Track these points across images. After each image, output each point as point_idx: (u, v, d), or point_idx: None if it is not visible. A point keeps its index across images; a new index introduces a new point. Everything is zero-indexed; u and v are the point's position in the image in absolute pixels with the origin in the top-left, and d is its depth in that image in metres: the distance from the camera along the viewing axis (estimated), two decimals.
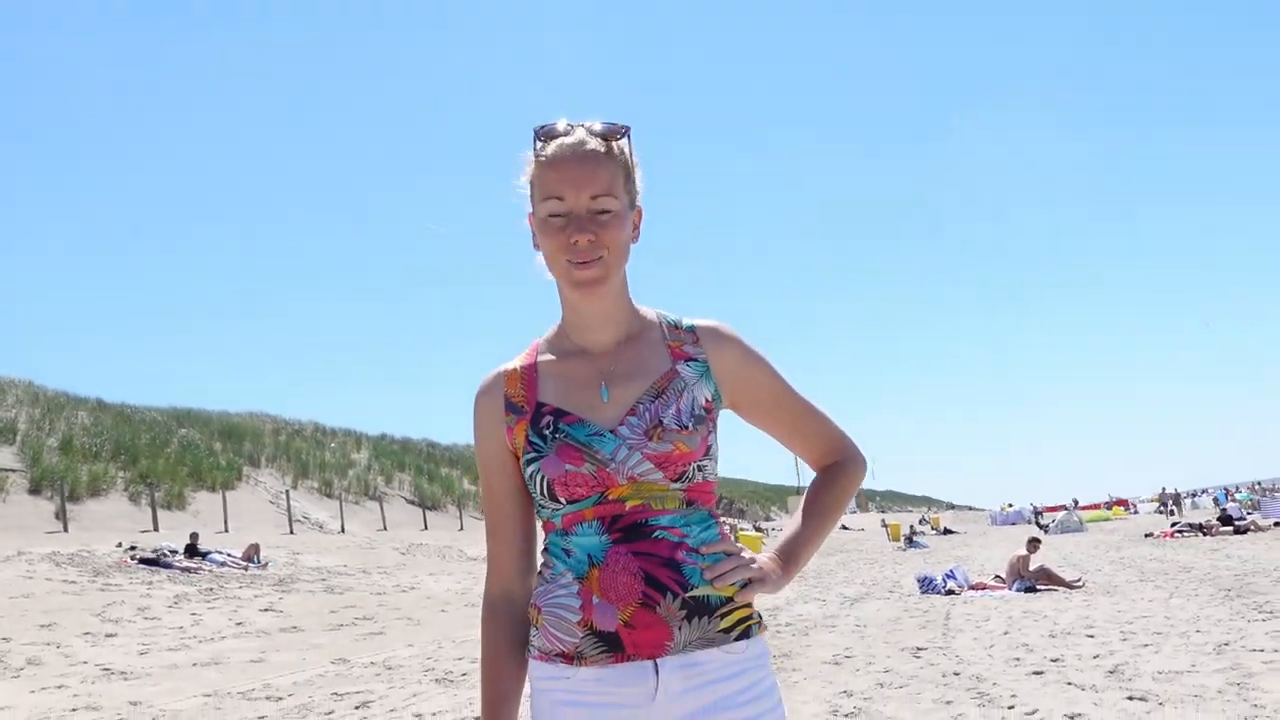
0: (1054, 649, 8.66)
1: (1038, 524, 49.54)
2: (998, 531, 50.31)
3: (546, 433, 1.77)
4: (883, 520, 59.24)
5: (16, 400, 36.30)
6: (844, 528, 56.71)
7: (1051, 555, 19.63)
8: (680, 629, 1.68)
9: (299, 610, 14.64)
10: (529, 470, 1.78)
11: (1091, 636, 9.31)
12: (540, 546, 1.87)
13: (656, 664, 1.68)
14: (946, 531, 51.19)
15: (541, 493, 1.76)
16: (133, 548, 20.29)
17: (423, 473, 49.11)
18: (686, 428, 1.74)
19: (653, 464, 1.72)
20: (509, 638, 1.83)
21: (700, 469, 1.77)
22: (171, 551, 20.08)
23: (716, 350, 1.85)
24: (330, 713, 7.30)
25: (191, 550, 20.27)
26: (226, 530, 28.05)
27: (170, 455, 35.74)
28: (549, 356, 1.88)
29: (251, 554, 20.92)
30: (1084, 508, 58.02)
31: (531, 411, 1.81)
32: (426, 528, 37.65)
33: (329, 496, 39.47)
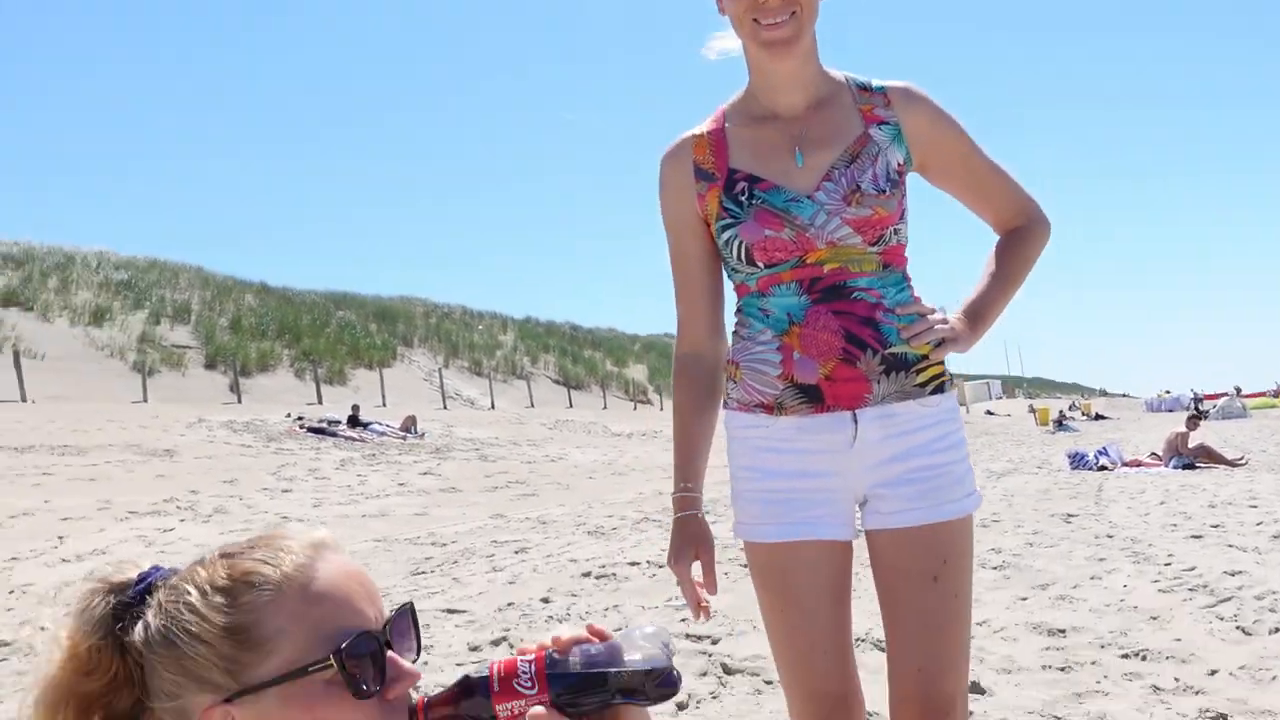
0: (1214, 517, 8.41)
1: (1197, 410, 47.53)
2: (1153, 418, 48.49)
3: (742, 199, 1.80)
4: (1030, 405, 57.68)
5: (189, 283, 38.55)
6: (989, 413, 55.60)
7: (1212, 439, 18.88)
8: (879, 383, 1.76)
9: (456, 474, 15.34)
10: (725, 236, 1.82)
11: (1254, 507, 8.99)
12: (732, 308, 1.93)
13: (855, 414, 1.76)
14: (1098, 417, 49.64)
15: (738, 257, 1.82)
16: (300, 418, 21.57)
17: (566, 354, 50.18)
18: (884, 192, 1.77)
19: (852, 228, 1.75)
20: (699, 393, 1.92)
21: (896, 232, 1.80)
22: (334, 422, 21.24)
23: (908, 112, 1.84)
24: (491, 556, 7.72)
25: (354, 421, 21.37)
26: (384, 404, 29.41)
27: (330, 335, 37.53)
28: (738, 121, 1.88)
29: (409, 425, 21.93)
30: (1248, 395, 55.25)
31: (724, 178, 1.83)
32: (571, 406, 38.64)
33: (478, 375, 40.84)
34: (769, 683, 3.94)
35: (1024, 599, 5.33)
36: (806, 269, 1.77)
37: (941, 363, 1.83)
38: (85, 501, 10.17)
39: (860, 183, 1.76)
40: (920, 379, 1.79)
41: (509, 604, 5.65)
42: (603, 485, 14.81)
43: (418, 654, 1.07)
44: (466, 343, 45.43)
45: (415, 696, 1.03)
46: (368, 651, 0.98)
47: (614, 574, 6.63)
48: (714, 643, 4.51)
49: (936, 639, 1.77)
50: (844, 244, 1.76)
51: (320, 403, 28.14)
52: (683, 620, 4.97)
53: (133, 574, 1.05)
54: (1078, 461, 15.18)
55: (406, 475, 14.87)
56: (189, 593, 0.99)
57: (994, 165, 1.91)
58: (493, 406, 34.52)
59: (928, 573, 1.77)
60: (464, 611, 5.44)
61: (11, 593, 6.14)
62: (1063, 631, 4.56)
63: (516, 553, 7.84)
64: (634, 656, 1.00)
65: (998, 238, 1.96)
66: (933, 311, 1.81)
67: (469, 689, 1.00)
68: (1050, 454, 20.38)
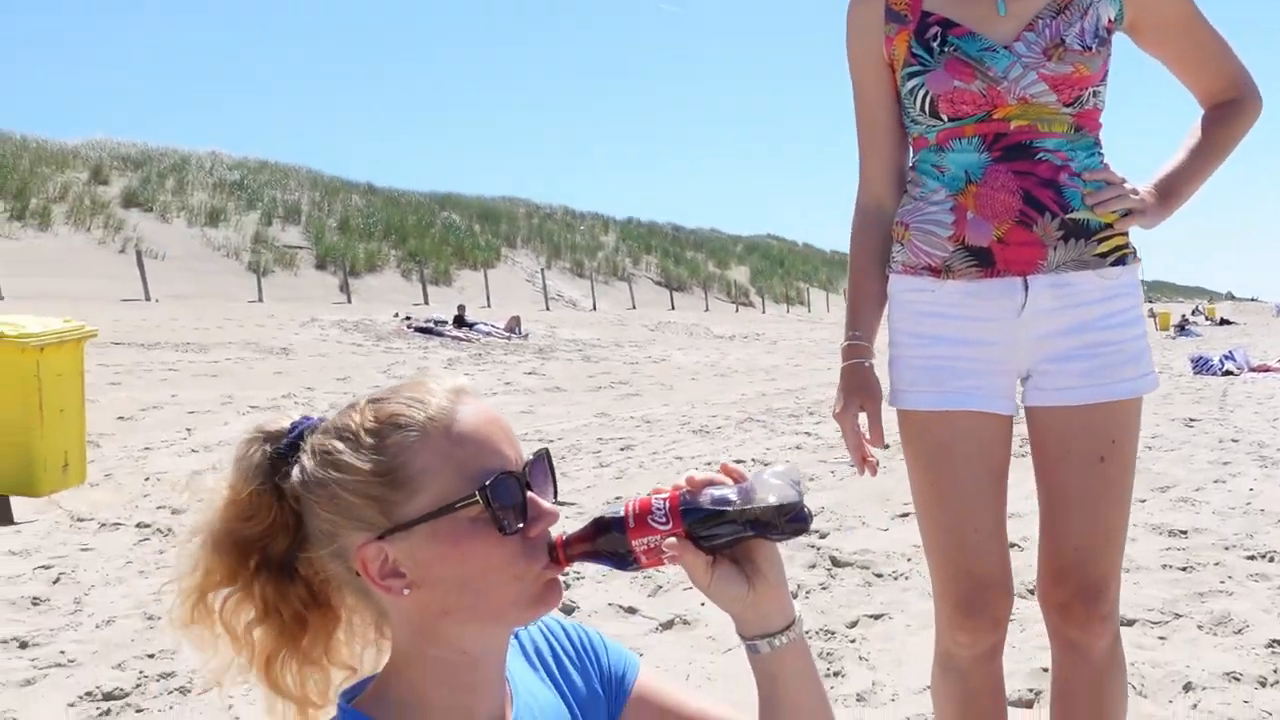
0: None
1: None
2: None
3: (933, 45, 1.69)
4: (1150, 309, 55.63)
5: (298, 184, 39.38)
6: None
7: None
8: (1055, 249, 1.66)
9: (560, 374, 15.54)
10: (910, 85, 1.72)
11: None
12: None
13: (1026, 281, 1.67)
14: (1224, 322, 47.59)
15: (921, 108, 1.72)
16: (408, 317, 22.04)
17: (669, 255, 50.09)
18: (1089, 49, 1.65)
19: (1048, 85, 1.64)
20: (879, 246, 1.84)
21: (1095, 94, 1.68)
22: (441, 322, 21.63)
23: None
24: (598, 452, 7.82)
25: (459, 321, 21.73)
26: (489, 305, 29.85)
27: (435, 235, 38.11)
28: None
29: (513, 325, 22.21)
30: None
31: (916, 21, 1.73)
32: (673, 307, 38.66)
33: (580, 276, 41.11)
34: (879, 575, 3.93)
35: (1143, 500, 5.18)
36: (991, 124, 1.67)
37: (1126, 234, 1.72)
38: (209, 396, 10.60)
39: (1065, 36, 1.64)
40: (1101, 249, 1.68)
41: (616, 497, 5.74)
42: (706, 386, 14.82)
43: (555, 496, 1.08)
44: (569, 244, 45.64)
45: (553, 535, 1.06)
46: (510, 490, 1.00)
47: None
48: (822, 536, 4.51)
49: (1097, 520, 1.70)
50: (1036, 101, 1.65)
51: (426, 303, 28.71)
52: None
53: (286, 423, 1.09)
54: (1201, 366, 14.61)
55: (512, 375, 15.12)
56: (340, 436, 1.02)
57: (1215, 33, 1.76)
58: (594, 308, 34.76)
59: (1094, 453, 1.69)
60: (574, 504, 5.54)
61: (147, 479, 6.46)
62: (1184, 533, 4.43)
63: (622, 450, 7.93)
64: (766, 494, 1.01)
65: (1202, 111, 1.81)
66: (1123, 181, 1.69)
67: (604, 526, 1.03)
68: (1171, 359, 19.67)
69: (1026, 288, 1.67)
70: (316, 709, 1.12)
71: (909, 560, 4.08)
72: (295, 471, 1.04)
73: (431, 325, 21.03)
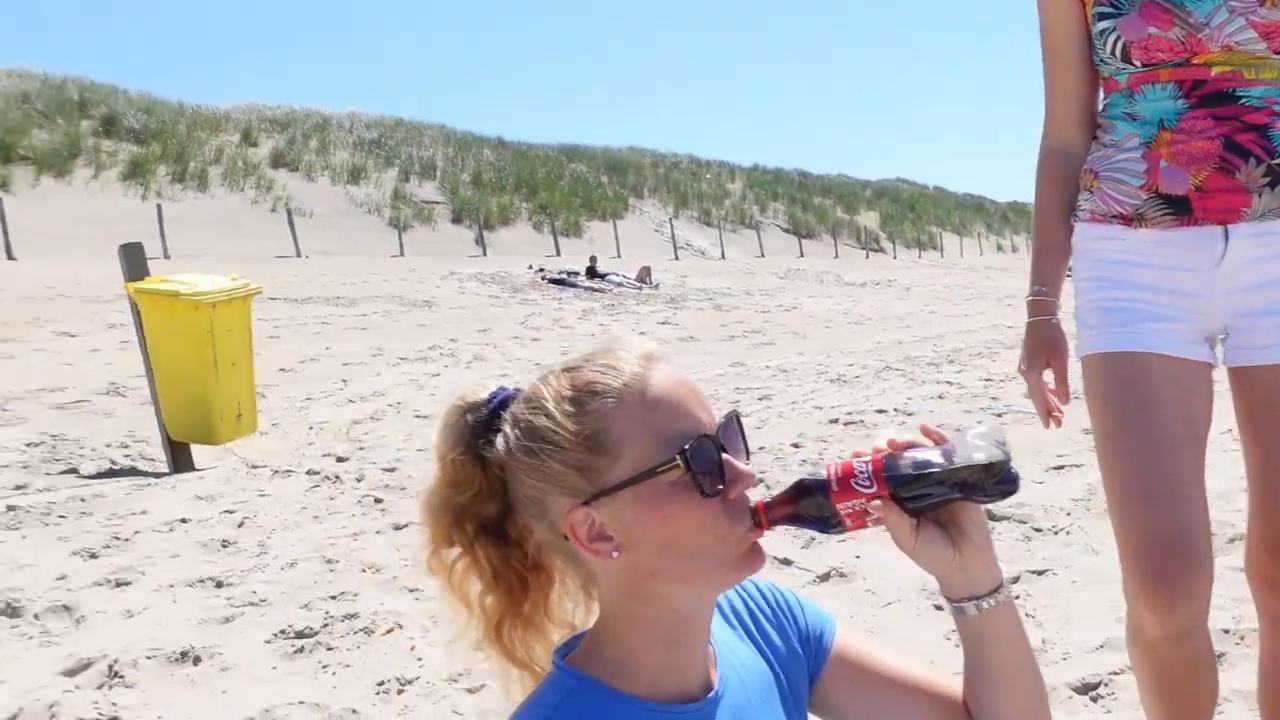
0: None
1: None
2: None
3: None
4: None
5: (433, 141, 40.22)
6: None
7: None
8: (1259, 195, 1.56)
9: (693, 323, 15.59)
10: (1101, 27, 1.64)
11: None
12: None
13: (1226, 230, 1.57)
14: None
15: (1112, 52, 1.63)
16: (541, 269, 22.40)
17: (796, 202, 49.46)
18: None
19: (1257, 33, 1.53)
20: (1065, 193, 1.77)
21: None
22: (573, 273, 21.91)
23: None
24: (736, 402, 7.86)
25: (591, 272, 21.96)
26: (619, 255, 30.04)
27: (564, 187, 38.50)
28: None
29: (644, 275, 22.33)
30: None
31: None
32: (802, 254, 38.18)
33: (708, 225, 41.00)
34: (1038, 530, 3.86)
35: None
36: (1190, 69, 1.56)
37: None
38: (360, 348, 11.03)
39: None
40: None
41: (760, 448, 5.77)
42: (840, 334, 14.66)
43: (747, 458, 1.09)
44: (695, 193, 45.47)
45: (752, 499, 1.06)
46: (708, 453, 1.01)
47: (862, 420, 6.62)
48: None
49: None
50: (1242, 48, 1.54)
51: (558, 254, 29.09)
52: None
53: (484, 394, 1.13)
54: None
55: (645, 325, 15.24)
56: (541, 404, 1.05)
57: None
58: (723, 256, 34.63)
59: None
60: None
61: (310, 428, 6.80)
62: None
63: (760, 399, 7.94)
64: (970, 454, 1.00)
65: None
66: None
67: (807, 489, 1.03)
68: None
69: (1227, 237, 1.57)
70: (544, 672, 1.15)
71: (1068, 514, 4.01)
72: (499, 441, 1.07)
73: (565, 276, 21.32)
